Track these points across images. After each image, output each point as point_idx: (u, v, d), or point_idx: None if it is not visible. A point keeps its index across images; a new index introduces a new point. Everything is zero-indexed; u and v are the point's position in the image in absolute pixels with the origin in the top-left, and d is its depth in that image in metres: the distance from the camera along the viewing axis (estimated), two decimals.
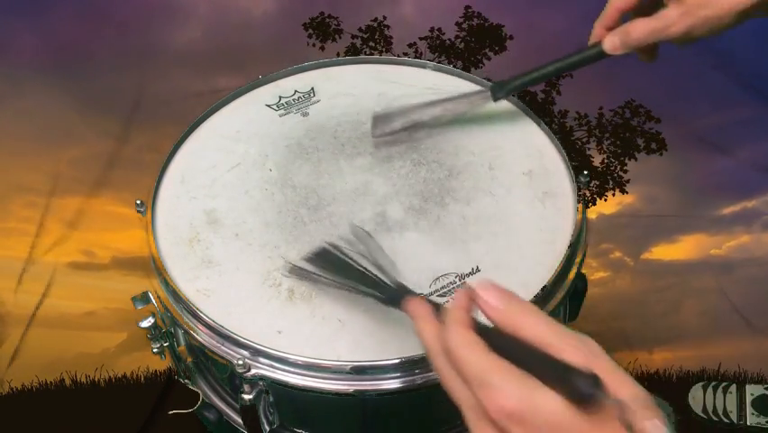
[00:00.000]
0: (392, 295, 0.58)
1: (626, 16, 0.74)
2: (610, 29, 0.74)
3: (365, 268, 0.62)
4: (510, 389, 0.40)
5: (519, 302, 0.44)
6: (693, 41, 0.70)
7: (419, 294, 0.55)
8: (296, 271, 0.68)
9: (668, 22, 0.68)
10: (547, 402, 0.39)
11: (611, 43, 0.73)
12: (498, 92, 0.81)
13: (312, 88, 0.92)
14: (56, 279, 1.42)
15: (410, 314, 0.51)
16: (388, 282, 0.59)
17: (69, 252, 1.48)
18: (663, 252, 1.53)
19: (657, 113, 1.78)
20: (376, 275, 0.60)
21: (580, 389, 0.37)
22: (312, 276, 0.67)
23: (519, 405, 0.39)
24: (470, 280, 0.68)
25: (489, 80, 0.91)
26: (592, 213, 1.62)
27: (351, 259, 0.64)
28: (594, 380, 0.37)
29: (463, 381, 0.43)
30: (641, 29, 0.70)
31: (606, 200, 1.64)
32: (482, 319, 0.45)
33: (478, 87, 0.87)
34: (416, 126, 0.83)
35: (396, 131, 0.82)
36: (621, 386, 0.39)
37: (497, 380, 0.40)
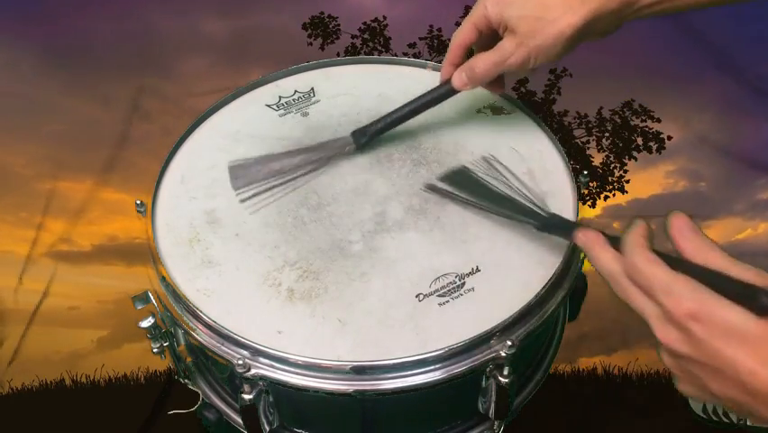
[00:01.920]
0: (548, 222, 0.65)
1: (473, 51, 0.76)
2: (457, 65, 0.75)
3: (509, 194, 0.69)
4: (693, 294, 0.46)
5: (705, 237, 0.50)
6: (532, 70, 0.72)
7: (582, 224, 0.60)
8: (435, 189, 0.74)
9: (506, 54, 0.70)
10: (725, 306, 0.45)
11: (459, 80, 0.75)
12: (359, 139, 0.80)
13: (312, 88, 0.92)
14: (54, 276, 1.40)
15: (582, 243, 0.57)
16: (541, 211, 0.66)
17: (57, 244, 1.44)
18: None
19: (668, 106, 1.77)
20: (527, 203, 0.68)
21: (764, 303, 0.44)
22: (454, 196, 0.73)
23: (701, 306, 0.45)
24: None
25: None
26: (623, 198, 1.60)
27: (490, 183, 0.71)
28: None
29: (647, 294, 0.49)
30: (483, 63, 0.72)
31: (605, 199, 1.64)
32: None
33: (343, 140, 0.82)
34: (278, 175, 0.79)
35: (258, 180, 0.79)
36: None
37: (680, 287, 0.47)
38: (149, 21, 1.81)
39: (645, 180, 1.66)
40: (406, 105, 0.80)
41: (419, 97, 0.79)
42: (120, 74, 1.68)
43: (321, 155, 0.80)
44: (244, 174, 0.79)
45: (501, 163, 0.75)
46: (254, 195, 0.78)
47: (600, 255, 0.54)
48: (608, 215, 1.59)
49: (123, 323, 1.31)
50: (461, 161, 0.81)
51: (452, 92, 0.77)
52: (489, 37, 0.73)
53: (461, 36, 0.74)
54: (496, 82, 0.78)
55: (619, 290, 0.52)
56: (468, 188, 0.73)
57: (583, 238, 0.57)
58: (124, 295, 1.29)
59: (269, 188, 0.78)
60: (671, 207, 1.57)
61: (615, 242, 0.54)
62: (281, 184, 0.78)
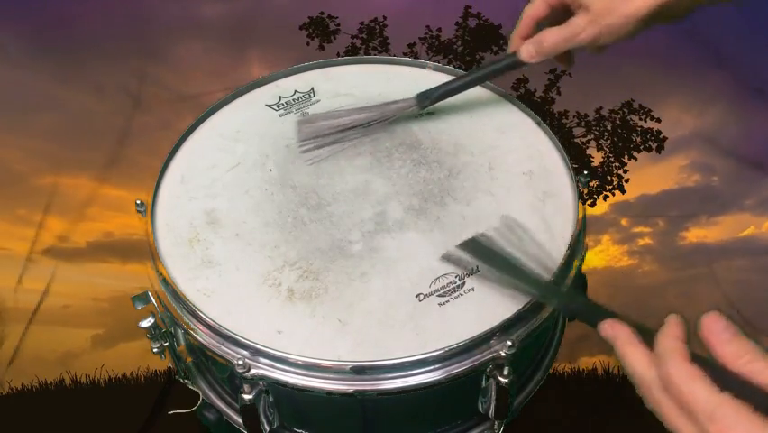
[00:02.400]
0: (571, 305, 0.59)
1: (542, 25, 0.76)
2: (526, 38, 0.76)
3: (530, 267, 0.64)
4: (742, 423, 0.40)
5: (746, 339, 0.44)
6: (602, 48, 0.73)
7: (607, 311, 0.54)
8: (452, 259, 0.69)
9: (576, 30, 0.71)
10: None
11: (527, 52, 0.75)
12: (423, 101, 0.82)
13: (312, 88, 0.92)
14: (52, 274, 1.38)
15: (608, 336, 0.50)
16: (565, 290, 0.61)
17: (53, 242, 1.41)
18: (701, 233, 1.49)
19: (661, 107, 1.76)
20: (551, 283, 0.62)
21: None
22: (470, 265, 0.68)
23: None
24: (463, 282, 0.68)
25: None
26: (634, 192, 1.59)
27: (509, 254, 0.66)
28: None
29: (684, 412, 0.43)
30: (552, 37, 0.73)
31: (605, 199, 1.64)
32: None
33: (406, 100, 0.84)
34: (342, 131, 0.82)
35: (321, 134, 0.82)
36: None
37: (729, 414, 0.40)
38: (142, 4, 1.76)
39: (656, 176, 1.64)
40: (470, 73, 0.81)
41: (484, 66, 0.80)
42: (113, 60, 1.60)
43: (385, 114, 0.82)
44: (309, 128, 0.83)
45: (522, 228, 0.71)
46: (315, 147, 0.82)
47: (631, 357, 0.47)
48: (616, 211, 1.59)
49: (119, 321, 1.31)
50: (461, 161, 0.81)
51: (519, 64, 0.77)
52: (561, 12, 0.74)
53: (533, 9, 0.75)
54: (565, 57, 0.78)
55: (651, 402, 0.46)
56: (487, 258, 0.67)
57: (610, 331, 0.50)
58: (120, 293, 1.29)
59: (330, 143, 0.82)
60: (680, 203, 1.56)
61: (647, 336, 0.48)
62: (342, 141, 0.82)
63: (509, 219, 0.73)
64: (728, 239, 1.48)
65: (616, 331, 0.50)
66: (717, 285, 1.37)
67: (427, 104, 0.82)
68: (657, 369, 0.45)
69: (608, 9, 0.68)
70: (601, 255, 1.45)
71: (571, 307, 0.59)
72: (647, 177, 1.65)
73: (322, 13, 1.97)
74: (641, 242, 1.49)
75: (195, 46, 1.73)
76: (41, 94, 1.58)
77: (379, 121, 0.82)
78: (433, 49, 1.93)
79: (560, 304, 0.61)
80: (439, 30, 1.96)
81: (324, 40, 1.94)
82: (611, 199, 1.61)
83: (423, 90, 0.82)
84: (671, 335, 0.45)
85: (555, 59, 0.77)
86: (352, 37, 1.94)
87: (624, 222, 1.55)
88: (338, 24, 1.97)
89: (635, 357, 0.47)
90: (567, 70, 0.81)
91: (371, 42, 1.94)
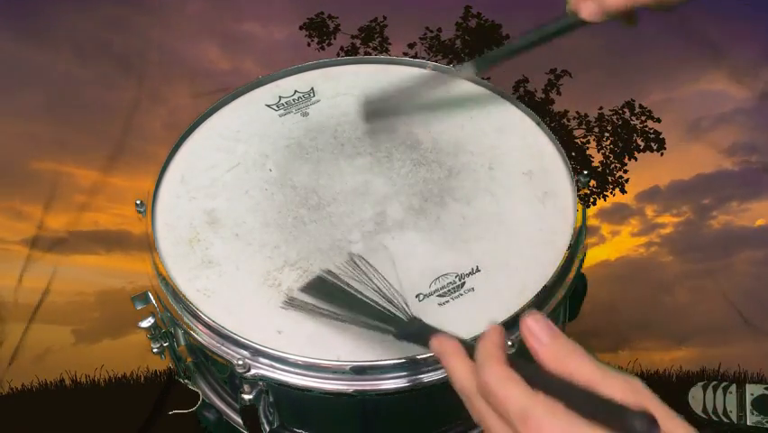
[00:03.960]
0: (408, 330, 0.56)
1: None
2: None
3: (372, 299, 0.60)
4: (557, 422, 0.38)
5: (566, 340, 0.42)
6: (668, 7, 0.68)
7: (440, 330, 0.52)
8: (295, 304, 0.66)
9: None
10: None
11: (588, 10, 0.69)
12: (482, 65, 0.78)
13: (312, 88, 0.92)
14: (55, 272, 1.35)
15: (436, 352, 0.49)
16: (401, 315, 0.57)
17: (35, 232, 1.34)
18: (727, 219, 1.43)
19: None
20: (386, 307, 0.59)
21: (635, 428, 0.36)
22: (312, 309, 0.64)
23: None
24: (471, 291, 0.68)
25: (486, 79, 0.91)
26: (661, 180, 1.53)
27: (353, 288, 0.62)
28: (649, 419, 0.36)
29: (502, 418, 0.41)
30: None
31: (605, 199, 1.64)
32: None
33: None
34: (406, 107, 0.80)
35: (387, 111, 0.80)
36: (674, 426, 0.38)
37: (541, 413, 0.39)
38: None
39: (690, 158, 1.57)
40: (528, 34, 0.74)
41: (542, 27, 0.73)
42: (84, 8, 1.47)
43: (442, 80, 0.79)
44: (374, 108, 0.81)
45: (369, 264, 0.67)
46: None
47: (453, 368, 0.46)
48: (644, 199, 1.54)
49: (104, 317, 1.30)
50: (461, 161, 0.81)
51: (579, 24, 0.70)
52: None
53: None
54: (629, 16, 0.71)
55: (474, 413, 0.44)
56: (328, 296, 0.63)
57: (438, 347, 0.49)
58: (108, 287, 1.28)
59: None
60: (712, 188, 1.50)
61: (473, 351, 0.46)
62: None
63: (354, 255, 0.69)
64: (751, 227, 1.43)
65: (443, 345, 0.48)
66: (725, 280, 1.33)
67: (485, 68, 0.78)
68: (476, 377, 0.43)
69: None
70: (618, 247, 1.40)
71: (408, 330, 0.56)
72: (681, 158, 1.59)
73: (321, 12, 1.97)
74: (663, 232, 1.43)
75: None
76: (13, 61, 1.42)
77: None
78: (433, 49, 1.93)
79: (397, 330, 0.57)
80: (439, 30, 1.96)
81: (325, 40, 1.94)
82: (641, 187, 1.56)
83: (478, 57, 0.78)
84: (488, 342, 0.44)
85: (619, 18, 0.71)
86: (352, 37, 1.95)
87: (648, 211, 1.49)
88: (338, 25, 1.97)
89: (457, 368, 0.46)
90: (631, 27, 0.73)
91: (371, 42, 1.94)
